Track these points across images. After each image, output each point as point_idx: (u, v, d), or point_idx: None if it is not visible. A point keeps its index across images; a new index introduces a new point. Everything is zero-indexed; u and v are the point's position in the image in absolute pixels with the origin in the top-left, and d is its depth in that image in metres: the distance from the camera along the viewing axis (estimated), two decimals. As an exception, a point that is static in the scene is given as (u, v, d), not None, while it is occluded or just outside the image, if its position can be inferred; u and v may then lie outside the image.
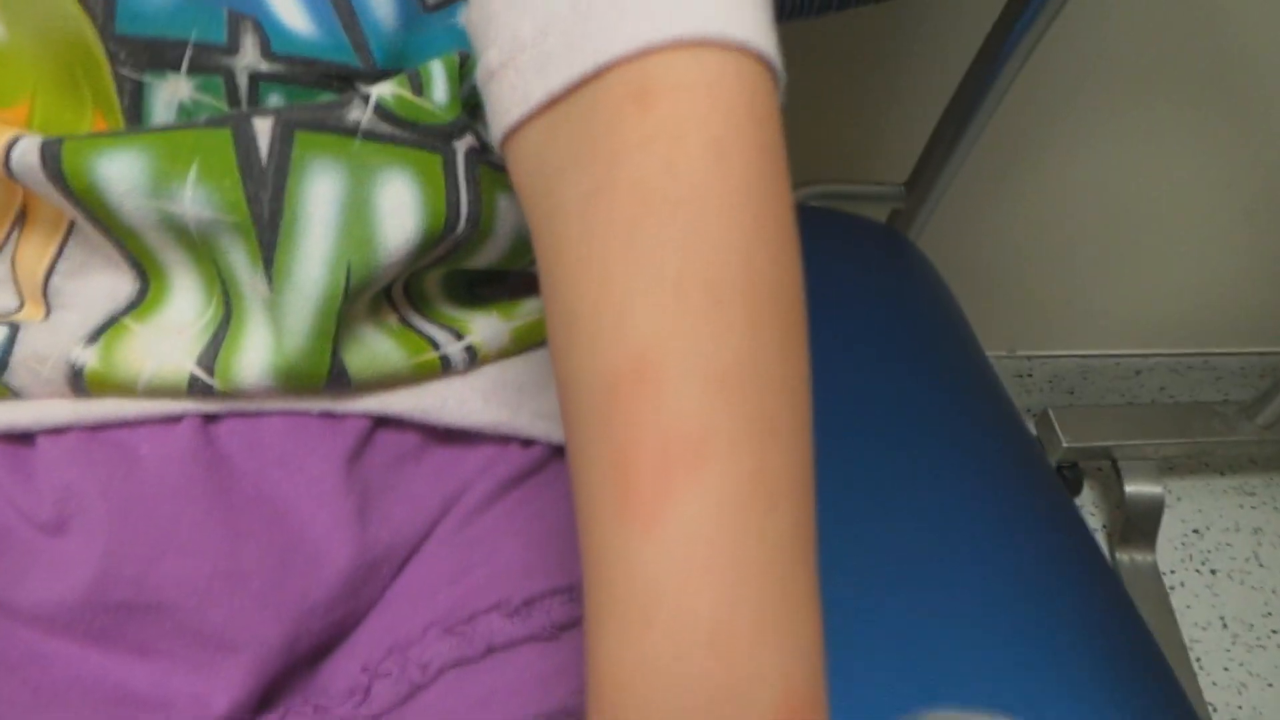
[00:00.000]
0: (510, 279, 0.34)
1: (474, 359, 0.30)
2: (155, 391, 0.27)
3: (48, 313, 0.29)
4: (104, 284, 0.28)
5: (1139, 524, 1.05)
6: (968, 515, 0.50)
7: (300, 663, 0.28)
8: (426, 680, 0.27)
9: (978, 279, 0.96)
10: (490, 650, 0.27)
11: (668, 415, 0.18)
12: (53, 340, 0.27)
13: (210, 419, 0.28)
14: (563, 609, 0.28)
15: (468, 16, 0.23)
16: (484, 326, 0.31)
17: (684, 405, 0.18)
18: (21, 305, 0.29)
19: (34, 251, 0.29)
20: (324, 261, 0.26)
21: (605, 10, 0.20)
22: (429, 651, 0.27)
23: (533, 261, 0.33)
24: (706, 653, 0.17)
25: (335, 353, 0.27)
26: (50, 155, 0.25)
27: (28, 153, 0.25)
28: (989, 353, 0.63)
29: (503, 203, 0.29)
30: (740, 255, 0.19)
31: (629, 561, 0.18)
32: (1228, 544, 1.06)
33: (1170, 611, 1.01)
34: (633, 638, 0.18)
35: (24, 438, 0.28)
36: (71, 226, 0.28)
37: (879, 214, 0.77)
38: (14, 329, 0.28)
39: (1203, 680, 0.97)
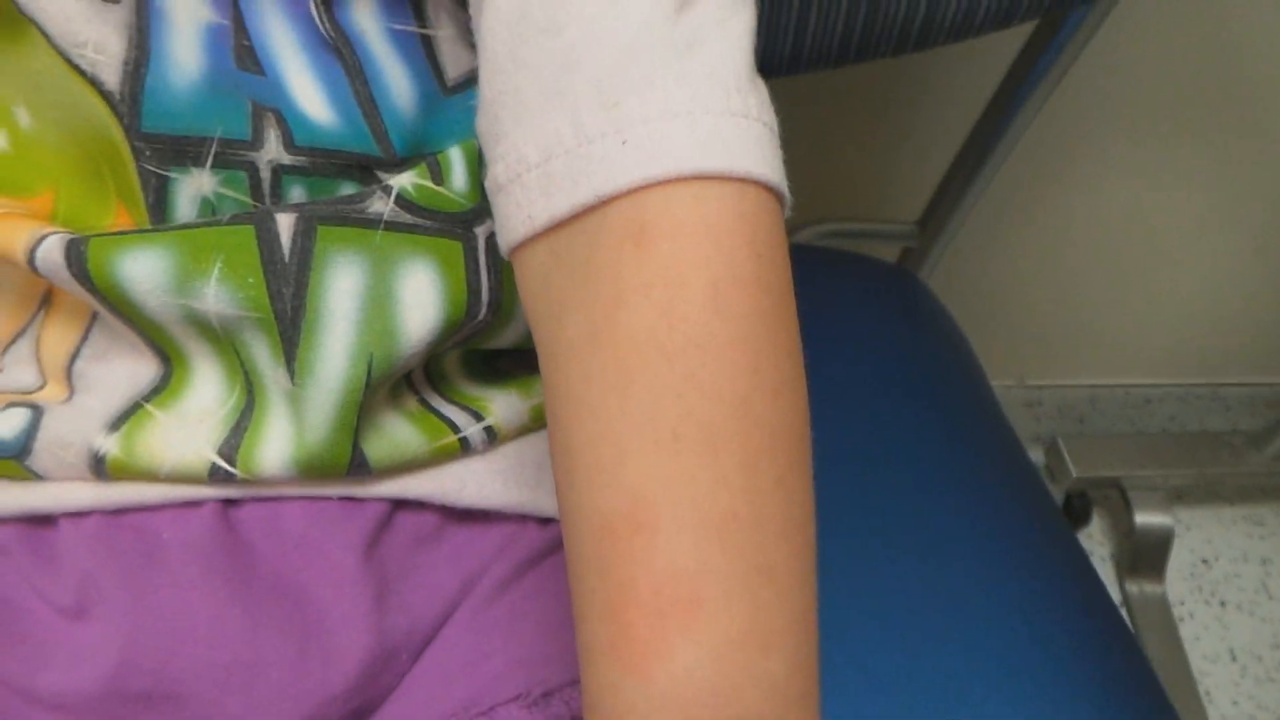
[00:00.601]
0: (529, 355, 0.35)
1: (493, 439, 0.30)
2: (177, 478, 0.27)
3: (70, 395, 0.29)
4: (127, 369, 0.28)
5: (1148, 554, 1.04)
6: (970, 550, 0.50)
7: None
8: (445, 774, 0.27)
9: (987, 309, 0.96)
10: None
11: (662, 564, 0.18)
12: (75, 426, 0.27)
13: (231, 503, 0.28)
14: (581, 699, 0.28)
15: (478, 124, 0.23)
16: (503, 406, 0.31)
17: (678, 554, 0.18)
18: (44, 385, 0.29)
19: (58, 335, 0.29)
20: (346, 355, 0.26)
21: (605, 140, 0.20)
22: (447, 744, 0.27)
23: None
24: None
25: (356, 444, 0.27)
26: (75, 254, 0.25)
27: (52, 250, 0.25)
28: (998, 382, 0.63)
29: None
30: (738, 401, 0.19)
31: (623, 706, 0.18)
32: (1236, 574, 1.06)
33: (1179, 643, 1.01)
34: None
35: (46, 520, 0.28)
36: (95, 315, 0.28)
37: (890, 252, 0.77)
38: (38, 412, 0.28)
39: (1212, 714, 0.97)
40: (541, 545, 0.31)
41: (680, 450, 0.18)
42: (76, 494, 0.28)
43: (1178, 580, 1.05)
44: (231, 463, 0.27)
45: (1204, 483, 1.08)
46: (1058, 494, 1.04)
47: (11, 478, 0.28)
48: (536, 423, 0.32)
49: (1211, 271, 0.97)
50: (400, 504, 0.30)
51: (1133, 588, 1.04)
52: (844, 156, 0.78)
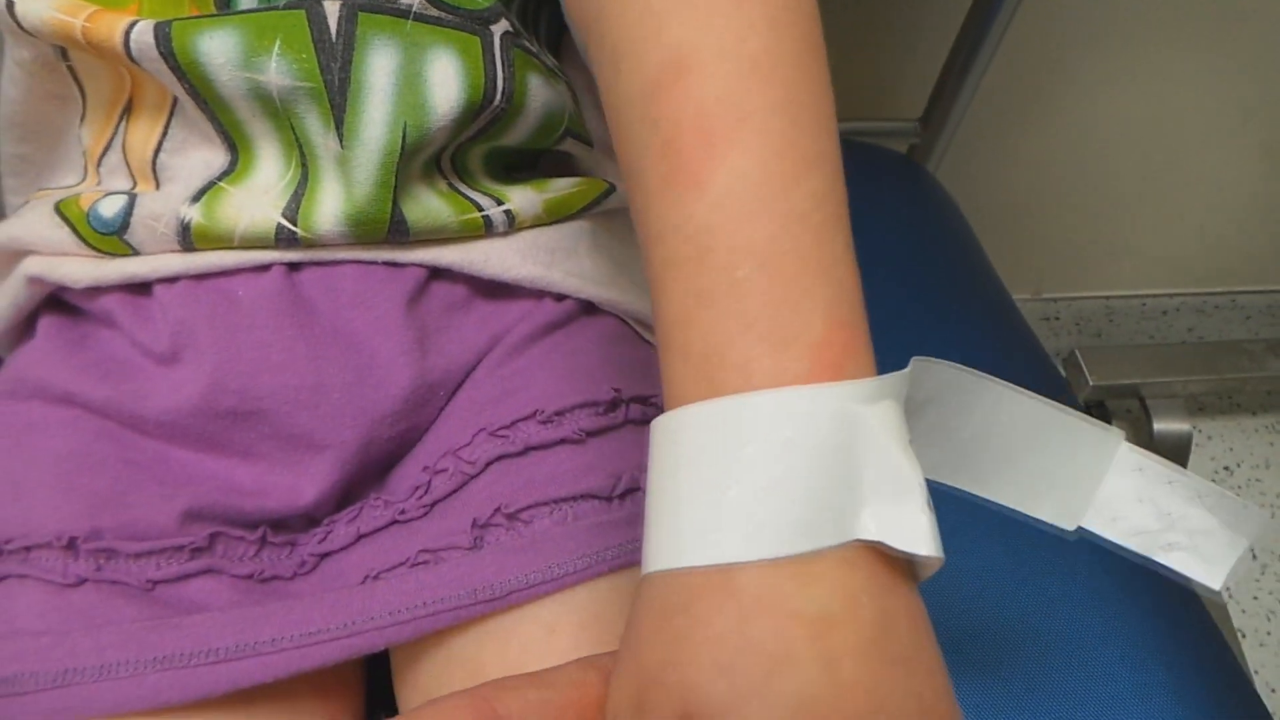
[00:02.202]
0: (541, 164, 0.39)
1: (512, 223, 0.35)
2: (248, 242, 0.33)
3: (157, 186, 0.34)
4: (202, 158, 0.34)
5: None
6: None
7: (373, 469, 0.34)
8: (475, 472, 0.32)
9: (1003, 223, 0.98)
10: (528, 449, 0.32)
11: (707, 96, 0.22)
12: (164, 203, 0.33)
13: (294, 267, 0.33)
14: (589, 419, 0.33)
15: None
16: (520, 197, 0.36)
17: (719, 87, 0.22)
18: (134, 185, 0.35)
19: (141, 135, 0.34)
20: (385, 122, 0.31)
21: None
22: (477, 451, 0.32)
23: (558, 141, 0.38)
24: (760, 274, 0.21)
25: (395, 203, 0.32)
26: (162, 35, 0.30)
27: (144, 33, 0.30)
28: (1015, 295, 0.65)
29: (533, 82, 0.34)
30: None
31: (683, 217, 0.22)
32: (1258, 479, 1.08)
33: (1200, 544, 1.03)
34: (691, 277, 0.22)
35: (142, 288, 0.34)
36: (172, 110, 0.34)
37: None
38: (132, 197, 0.33)
39: (1232, 609, 0.99)
40: (557, 316, 0.36)
41: (711, 10, 0.22)
42: (167, 262, 0.33)
43: (1198, 485, 1.07)
44: (293, 222, 0.32)
45: (1224, 391, 1.10)
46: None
47: (114, 253, 0.34)
48: (550, 215, 0.37)
49: (1228, 179, 0.98)
50: (435, 273, 0.35)
51: (1153, 493, 1.06)
52: (845, 56, 0.81)
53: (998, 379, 0.25)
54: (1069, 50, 0.84)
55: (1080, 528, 0.27)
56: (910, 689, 0.20)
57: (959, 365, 0.24)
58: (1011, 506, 0.27)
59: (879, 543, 0.20)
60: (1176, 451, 1.05)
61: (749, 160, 0.21)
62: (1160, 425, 1.04)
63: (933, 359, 0.23)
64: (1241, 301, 1.11)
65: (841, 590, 0.19)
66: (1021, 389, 0.26)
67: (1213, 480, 0.31)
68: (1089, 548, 0.46)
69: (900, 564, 0.21)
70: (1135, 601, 0.44)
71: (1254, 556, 1.02)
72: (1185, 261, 1.07)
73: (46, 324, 0.36)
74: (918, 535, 0.20)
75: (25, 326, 0.37)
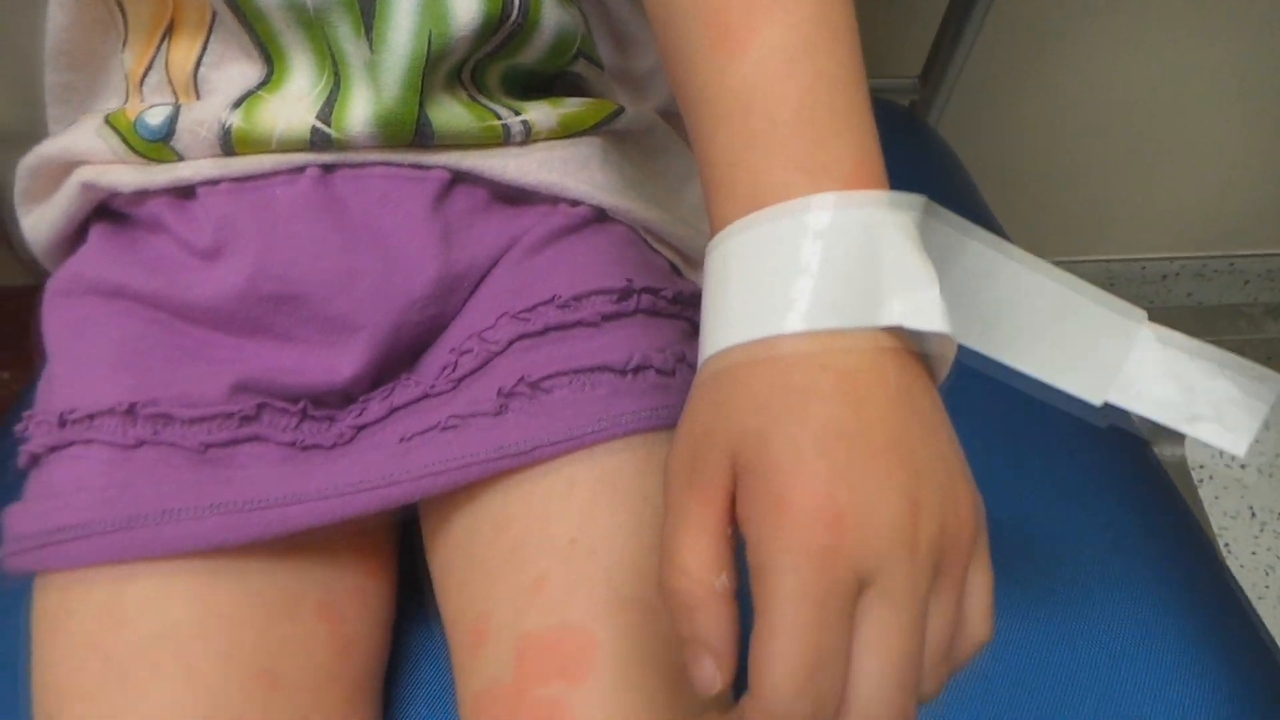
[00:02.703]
0: (555, 87, 0.42)
1: (528, 134, 0.38)
2: (285, 145, 0.35)
3: (198, 98, 0.37)
4: (240, 71, 0.36)
5: (1168, 422, 1.08)
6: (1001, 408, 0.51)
7: (403, 353, 0.36)
8: (498, 350, 0.34)
9: (1003, 188, 1.00)
10: (547, 329, 0.34)
11: None
12: (206, 110, 0.36)
13: (327, 170, 0.36)
14: (604, 304, 0.35)
15: None
16: (536, 111, 0.39)
17: None
18: (176, 100, 0.38)
19: (182, 53, 0.37)
20: (411, 30, 0.34)
21: None
22: (500, 332, 0.35)
23: (571, 62, 0.40)
24: (796, 121, 0.25)
25: (421, 107, 0.35)
26: None
27: None
28: None
29: (547, 2, 0.37)
30: None
31: (726, 78, 0.25)
32: (1256, 440, 1.09)
33: (1199, 502, 1.05)
34: (737, 126, 0.25)
35: (186, 191, 0.37)
36: (211, 27, 0.36)
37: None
38: (177, 107, 0.36)
39: (1231, 563, 1.01)
40: (570, 221, 0.39)
41: None
42: (209, 167, 0.36)
43: (1198, 446, 1.09)
44: (327, 124, 0.35)
45: (1223, 354, 1.12)
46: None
47: (161, 160, 0.36)
48: (564, 130, 0.39)
49: (1226, 142, 1.00)
50: (457, 177, 0.37)
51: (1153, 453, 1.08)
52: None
53: (1017, 249, 0.28)
54: (1067, 11, 0.86)
55: (1107, 403, 0.29)
56: (934, 450, 0.23)
57: (977, 228, 0.27)
58: (1038, 377, 0.29)
59: (901, 327, 0.23)
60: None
61: (787, 28, 0.25)
62: (1160, 387, 1.06)
63: (948, 213, 0.26)
64: (1240, 266, 1.13)
65: (869, 358, 0.23)
66: (1040, 263, 0.28)
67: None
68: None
69: (920, 361, 0.24)
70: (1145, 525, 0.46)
71: (1253, 515, 1.04)
72: (1185, 225, 1.09)
73: (97, 231, 0.38)
74: (935, 317, 0.23)
75: (76, 237, 0.40)
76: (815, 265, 0.23)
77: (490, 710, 0.29)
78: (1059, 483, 0.48)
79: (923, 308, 0.23)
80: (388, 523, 0.37)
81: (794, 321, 0.22)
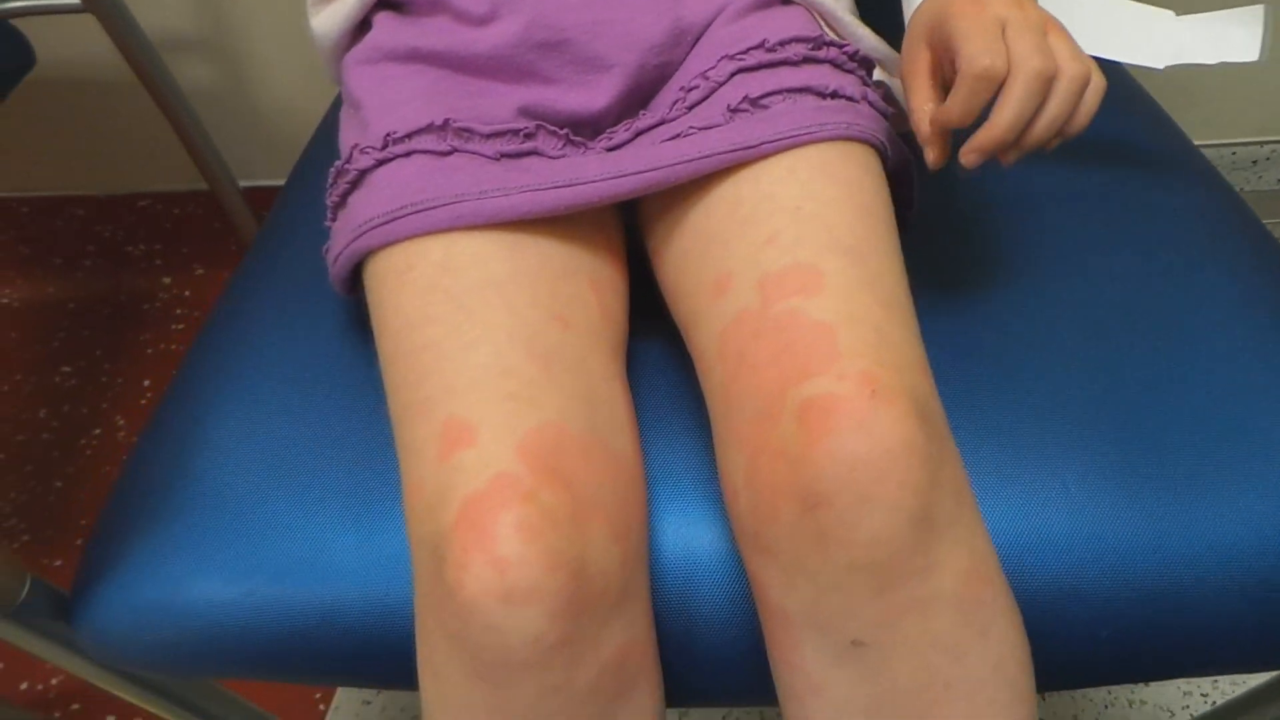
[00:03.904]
0: None
1: None
2: None
3: None
4: None
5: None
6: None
7: (643, 92, 0.46)
8: (721, 81, 0.43)
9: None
10: (760, 66, 0.43)
11: None
12: None
13: None
14: (804, 49, 0.44)
15: None
16: None
17: None
18: None
19: None
20: None
21: None
22: (721, 70, 0.43)
23: None
24: None
25: None
26: None
27: None
28: None
29: None
30: None
31: None
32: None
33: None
34: None
35: None
36: None
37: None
38: None
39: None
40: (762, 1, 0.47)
41: None
42: None
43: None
44: None
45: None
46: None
47: None
48: None
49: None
50: None
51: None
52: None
53: None
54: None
55: (1167, 66, 0.46)
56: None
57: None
58: (1115, 59, 0.46)
59: None
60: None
61: None
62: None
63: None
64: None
65: None
66: None
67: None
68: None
69: None
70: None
71: None
72: (1276, 108, 1.12)
73: (381, 18, 0.48)
74: None
75: (359, 30, 0.49)
76: None
77: (738, 332, 0.37)
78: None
79: None
80: (622, 236, 0.46)
81: None
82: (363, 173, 0.42)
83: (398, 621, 0.41)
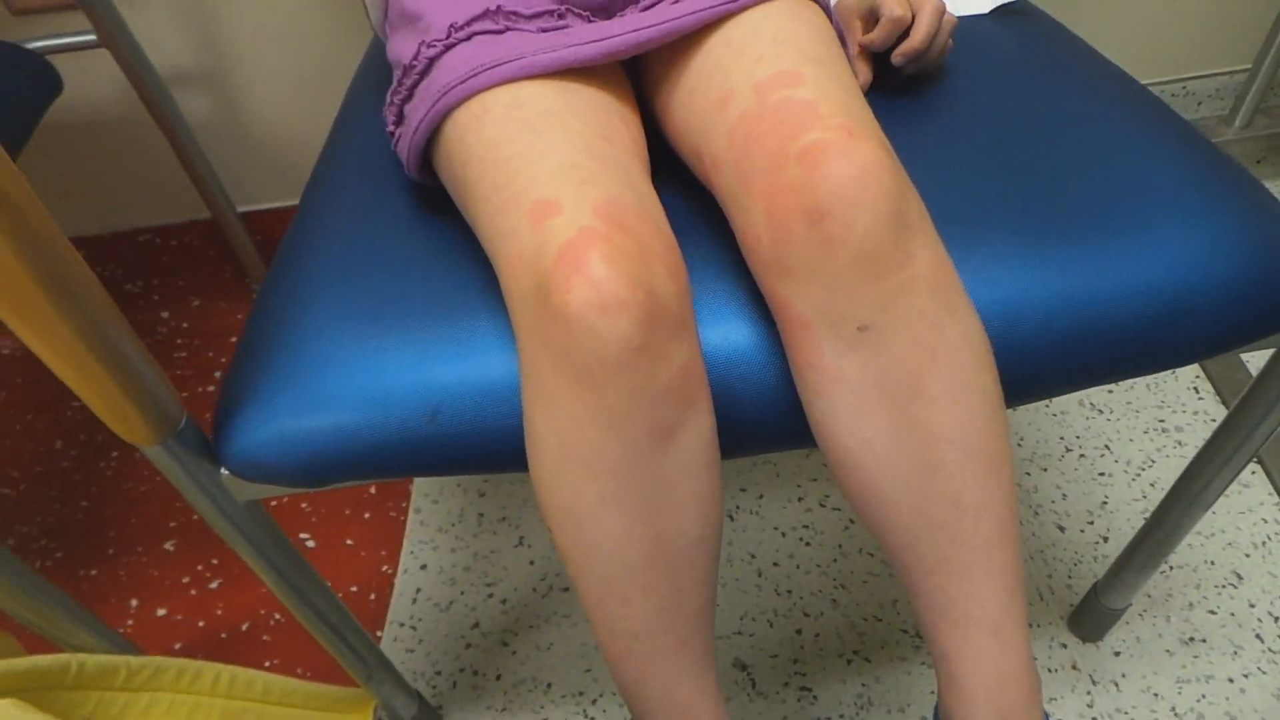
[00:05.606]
0: None
1: None
2: None
3: None
4: None
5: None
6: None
7: None
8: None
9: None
10: None
11: None
12: None
13: None
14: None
15: None
16: None
17: None
18: None
19: None
20: None
21: None
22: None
23: None
24: None
25: None
26: None
27: None
28: None
29: None
30: None
31: None
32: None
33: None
34: None
35: None
36: None
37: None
38: None
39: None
40: None
41: None
42: None
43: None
44: None
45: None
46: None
47: None
48: None
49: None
50: None
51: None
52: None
53: None
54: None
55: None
56: None
57: None
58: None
59: None
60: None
61: None
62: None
63: None
64: (1192, 88, 1.34)
65: None
66: None
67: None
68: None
69: None
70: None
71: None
72: (1138, 53, 1.30)
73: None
74: None
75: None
76: None
77: (742, 123, 0.49)
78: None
79: None
80: (634, 95, 0.58)
81: None
82: (431, 61, 0.54)
83: (495, 415, 0.51)
